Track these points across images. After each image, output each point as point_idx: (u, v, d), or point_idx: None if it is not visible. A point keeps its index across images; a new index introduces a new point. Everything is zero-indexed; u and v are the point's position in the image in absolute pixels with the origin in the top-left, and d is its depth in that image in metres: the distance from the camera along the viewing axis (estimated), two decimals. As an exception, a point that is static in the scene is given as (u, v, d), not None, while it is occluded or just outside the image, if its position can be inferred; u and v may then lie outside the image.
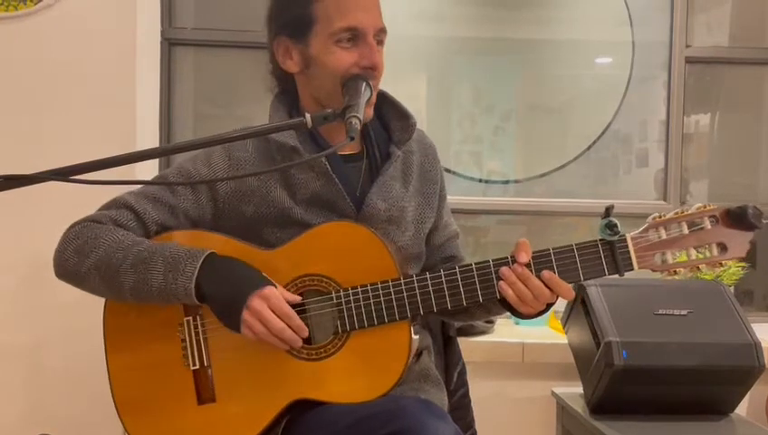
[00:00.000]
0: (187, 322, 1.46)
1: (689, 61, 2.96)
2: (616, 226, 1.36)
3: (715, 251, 1.38)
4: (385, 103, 1.60)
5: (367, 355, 1.41)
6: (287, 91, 1.57)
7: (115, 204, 1.51)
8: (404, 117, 1.58)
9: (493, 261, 1.40)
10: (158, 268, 1.37)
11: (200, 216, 1.51)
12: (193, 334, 1.45)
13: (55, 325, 2.39)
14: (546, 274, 1.37)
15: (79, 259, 1.44)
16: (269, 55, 1.55)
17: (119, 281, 1.41)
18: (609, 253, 1.37)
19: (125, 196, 1.51)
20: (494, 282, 1.39)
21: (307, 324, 1.41)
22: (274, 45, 1.52)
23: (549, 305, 1.42)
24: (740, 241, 1.37)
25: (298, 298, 1.40)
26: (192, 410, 1.45)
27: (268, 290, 1.35)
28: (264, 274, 1.39)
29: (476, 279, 1.40)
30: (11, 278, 2.42)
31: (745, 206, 1.35)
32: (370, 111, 1.49)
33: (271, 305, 1.35)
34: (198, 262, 1.36)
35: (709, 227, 1.37)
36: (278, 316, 1.35)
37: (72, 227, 1.49)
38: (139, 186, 1.55)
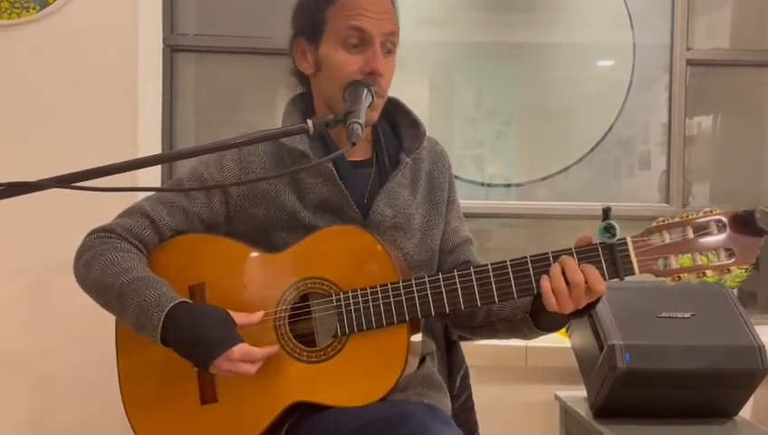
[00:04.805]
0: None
1: (690, 63, 2.96)
2: (614, 228, 1.33)
3: (723, 257, 1.32)
4: (398, 111, 1.62)
5: (365, 358, 1.41)
6: (304, 94, 1.60)
7: (132, 211, 1.53)
8: (414, 125, 1.60)
9: (491, 265, 1.40)
10: (132, 309, 1.39)
11: (213, 219, 1.54)
12: None
13: (61, 333, 2.39)
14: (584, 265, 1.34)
15: (85, 272, 1.48)
16: (290, 55, 1.58)
17: (108, 305, 1.46)
18: (610, 256, 1.34)
19: (142, 202, 1.54)
20: (492, 285, 1.38)
21: (310, 327, 1.44)
22: (293, 46, 1.55)
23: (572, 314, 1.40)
24: (748, 247, 1.31)
25: (270, 350, 1.40)
26: (195, 410, 1.46)
27: (236, 351, 1.35)
28: (233, 326, 1.38)
29: (474, 283, 1.39)
30: (16, 286, 2.42)
31: (753, 210, 1.29)
32: (375, 116, 1.50)
33: (237, 366, 1.36)
34: (163, 314, 1.36)
35: (716, 231, 1.32)
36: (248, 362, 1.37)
37: (90, 235, 1.53)
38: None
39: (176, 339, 1.37)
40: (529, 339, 1.54)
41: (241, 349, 1.36)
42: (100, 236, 1.50)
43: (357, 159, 1.57)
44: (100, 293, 1.45)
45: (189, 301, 1.42)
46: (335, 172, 1.50)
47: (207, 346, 1.35)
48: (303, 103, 1.59)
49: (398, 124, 1.62)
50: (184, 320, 1.37)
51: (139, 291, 1.39)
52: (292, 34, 1.56)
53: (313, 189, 1.51)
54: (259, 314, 1.43)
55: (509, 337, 1.57)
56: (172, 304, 1.37)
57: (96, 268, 1.45)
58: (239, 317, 1.40)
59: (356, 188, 1.53)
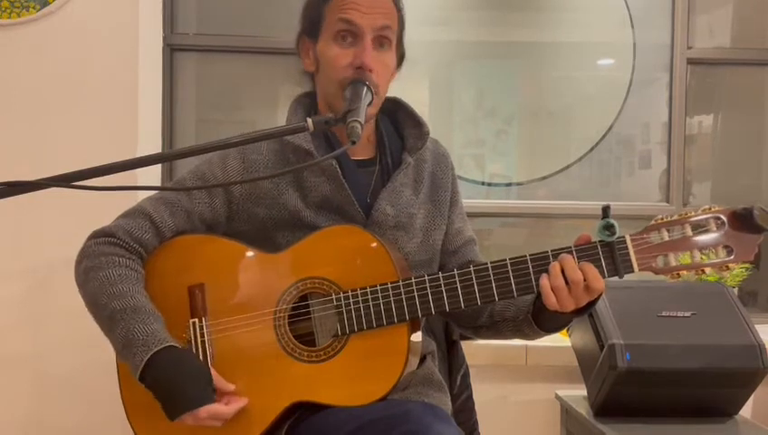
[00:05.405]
0: (193, 323, 1.47)
1: (691, 62, 2.96)
2: (613, 226, 1.33)
3: (722, 254, 1.33)
4: (401, 111, 1.62)
5: (365, 358, 1.41)
6: (310, 93, 1.61)
7: (133, 212, 1.52)
8: (418, 125, 1.60)
9: (491, 263, 1.40)
10: (119, 339, 1.39)
11: (214, 218, 1.53)
12: (198, 336, 1.46)
13: (61, 333, 2.39)
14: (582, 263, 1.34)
15: (84, 281, 1.47)
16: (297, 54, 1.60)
17: (99, 323, 1.45)
18: (609, 254, 1.35)
19: (144, 203, 1.53)
20: (492, 284, 1.38)
21: (310, 327, 1.44)
22: (299, 45, 1.57)
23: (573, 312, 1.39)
24: (747, 244, 1.32)
25: (239, 404, 1.40)
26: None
27: (204, 411, 1.35)
28: (209, 384, 1.37)
29: (474, 282, 1.39)
30: (16, 286, 2.42)
31: (751, 207, 1.30)
32: (373, 111, 1.50)
33: (203, 422, 1.36)
34: (146, 356, 1.35)
35: (714, 229, 1.33)
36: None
37: (90, 239, 1.51)
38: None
39: (152, 382, 1.36)
40: (532, 339, 1.54)
41: (208, 410, 1.35)
42: (101, 242, 1.49)
43: (360, 158, 1.57)
44: (94, 309, 1.45)
45: (176, 344, 1.39)
46: (339, 171, 1.50)
47: (178, 401, 1.35)
48: (308, 101, 1.60)
49: (400, 124, 1.62)
50: (164, 366, 1.36)
51: (129, 323, 1.38)
52: (298, 33, 1.57)
53: (316, 188, 1.51)
54: (232, 387, 1.41)
55: (512, 338, 1.57)
56: (156, 350, 1.36)
57: (93, 283, 1.45)
58: (217, 381, 1.40)
59: (359, 188, 1.53)
